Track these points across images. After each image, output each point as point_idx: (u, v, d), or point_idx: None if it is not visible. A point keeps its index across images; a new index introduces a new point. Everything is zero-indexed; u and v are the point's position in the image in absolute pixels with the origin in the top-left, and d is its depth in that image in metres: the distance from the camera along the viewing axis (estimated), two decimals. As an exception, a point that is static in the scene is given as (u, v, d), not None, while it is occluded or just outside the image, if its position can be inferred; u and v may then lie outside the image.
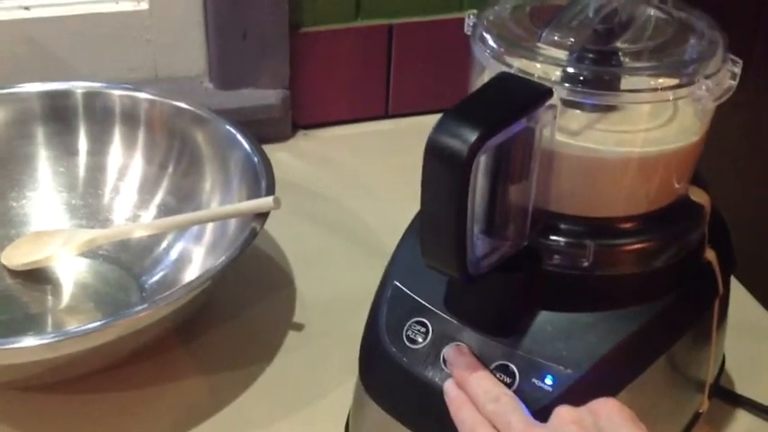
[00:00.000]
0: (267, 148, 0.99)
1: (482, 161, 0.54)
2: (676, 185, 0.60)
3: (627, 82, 0.56)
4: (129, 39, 0.98)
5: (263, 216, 0.72)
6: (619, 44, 0.58)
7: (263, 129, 1.00)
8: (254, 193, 0.76)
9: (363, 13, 1.01)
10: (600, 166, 0.57)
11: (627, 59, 0.57)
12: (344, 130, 1.07)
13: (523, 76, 0.55)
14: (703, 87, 0.54)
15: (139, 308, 0.64)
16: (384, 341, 0.62)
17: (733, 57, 0.57)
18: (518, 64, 0.56)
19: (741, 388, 0.75)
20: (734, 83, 0.56)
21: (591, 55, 0.57)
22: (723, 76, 0.56)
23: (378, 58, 1.04)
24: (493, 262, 0.57)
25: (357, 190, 0.97)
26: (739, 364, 0.75)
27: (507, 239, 0.58)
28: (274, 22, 0.97)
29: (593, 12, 0.58)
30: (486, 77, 0.58)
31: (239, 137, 0.80)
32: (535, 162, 0.56)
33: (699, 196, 0.62)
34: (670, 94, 0.55)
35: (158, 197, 0.84)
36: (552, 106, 0.54)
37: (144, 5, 0.97)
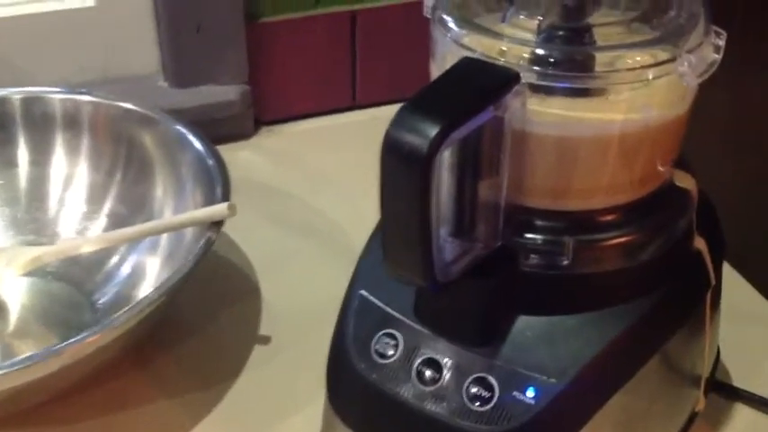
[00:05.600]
0: (229, 147, 0.95)
1: (446, 157, 0.50)
2: (660, 168, 0.55)
3: (602, 61, 0.51)
4: (76, 38, 0.93)
5: (218, 224, 0.67)
6: (591, 20, 0.53)
7: (224, 127, 0.95)
8: (210, 198, 0.71)
9: (324, 0, 0.95)
10: (577, 149, 0.52)
11: (601, 36, 0.52)
12: (311, 123, 1.01)
13: (488, 60, 0.50)
14: (685, 63, 0.49)
15: (85, 334, 0.58)
16: (351, 357, 0.57)
17: (716, 28, 0.52)
18: (482, 48, 0.51)
19: (738, 379, 0.70)
20: (718, 56, 0.51)
21: (561, 33, 0.52)
22: (706, 49, 0.51)
23: (342, 47, 0.98)
24: (464, 266, 0.52)
25: (326, 188, 0.92)
26: (734, 354, 0.71)
27: (479, 240, 0.53)
28: (229, 14, 0.91)
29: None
30: (448, 64, 0.53)
31: (191, 137, 0.75)
32: (505, 154, 0.51)
33: (684, 181, 0.57)
34: (650, 73, 0.50)
35: (107, 207, 0.79)
36: (521, 92, 0.49)
37: (90, 2, 0.92)
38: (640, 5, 0.55)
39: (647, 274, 0.55)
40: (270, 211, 0.89)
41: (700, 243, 0.58)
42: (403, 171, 0.46)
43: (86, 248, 0.72)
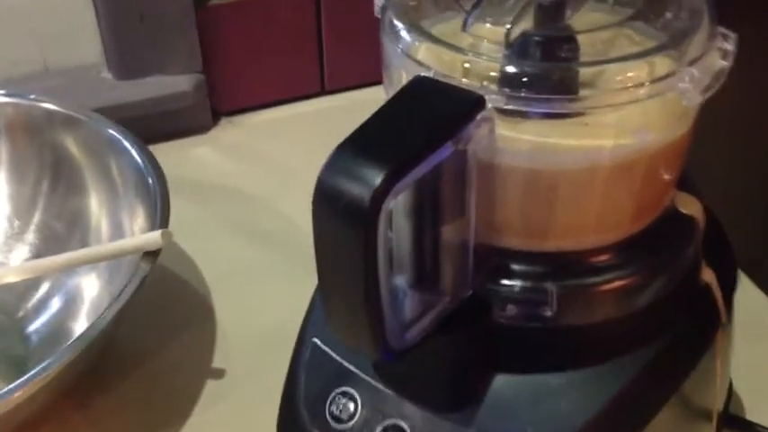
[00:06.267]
0: (185, 143, 0.86)
1: (400, 200, 0.41)
2: (659, 196, 0.46)
3: (586, 78, 0.41)
4: (8, 29, 0.83)
5: (152, 254, 0.58)
6: (573, 24, 0.44)
7: (179, 120, 0.86)
8: (150, 210, 0.63)
9: (283, -24, 0.86)
10: (557, 181, 0.43)
11: (584, 44, 0.43)
12: (275, 113, 0.92)
13: (444, 80, 0.41)
14: (686, 78, 0.40)
15: (6, 389, 0.50)
16: (303, 420, 0.49)
17: (723, 30, 0.43)
18: (439, 63, 0.42)
19: (753, 409, 0.62)
20: (726, 64, 0.42)
21: (536, 42, 0.42)
22: (712, 57, 0.42)
23: (306, 26, 0.89)
24: (427, 325, 0.43)
25: (292, 188, 0.83)
26: (748, 377, 0.62)
27: (444, 291, 0.44)
28: (176, -2, 0.82)
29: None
30: (400, 79, 0.44)
31: (125, 143, 0.66)
32: (471, 190, 0.42)
33: (689, 206, 0.48)
34: (644, 92, 0.41)
35: (36, 221, 0.70)
36: (487, 119, 0.40)
37: (21, -11, 0.82)
38: (632, 3, 0.45)
39: (648, 321, 0.46)
40: (228, 215, 0.80)
41: (707, 275, 0.50)
42: (341, 227, 0.37)
43: (10, 279, 0.63)
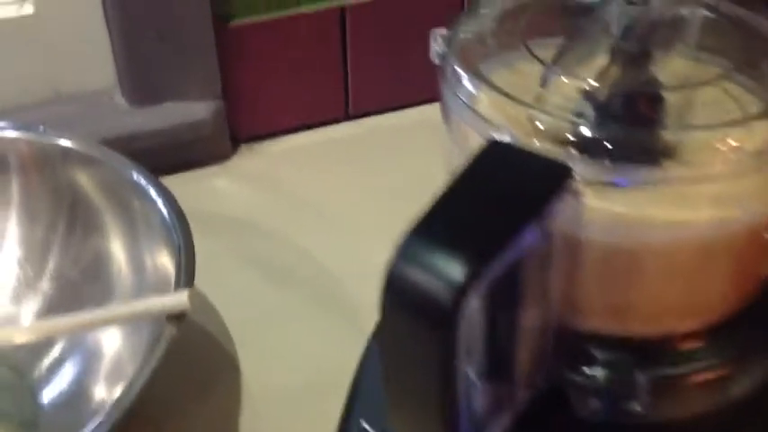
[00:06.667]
0: (202, 174, 0.81)
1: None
2: (761, 274, 0.40)
3: (683, 142, 0.36)
4: (16, 52, 0.78)
5: (178, 317, 0.53)
6: (658, 74, 0.38)
7: (196, 150, 0.81)
8: (175, 259, 0.57)
9: (307, -4, 0.81)
10: (649, 258, 0.38)
11: (676, 106, 0.37)
12: (297, 139, 0.87)
13: (525, 148, 0.36)
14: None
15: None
16: None
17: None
18: (505, 116, 0.37)
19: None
20: None
21: (622, 101, 0.37)
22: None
23: (331, 49, 0.84)
24: (502, 422, 0.38)
25: (315, 221, 0.78)
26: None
27: (520, 384, 0.39)
28: (196, 18, 0.77)
29: (619, 29, 0.39)
30: (464, 135, 0.38)
31: (149, 188, 0.61)
32: (551, 270, 0.37)
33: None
34: (751, 159, 0.35)
35: (51, 267, 0.65)
36: (574, 191, 0.35)
37: (28, 9, 0.77)
38: (722, 47, 0.40)
39: (745, 415, 0.41)
40: (249, 252, 0.75)
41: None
42: (415, 327, 0.32)
43: (20, 339, 0.58)
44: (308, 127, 0.87)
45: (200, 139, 0.80)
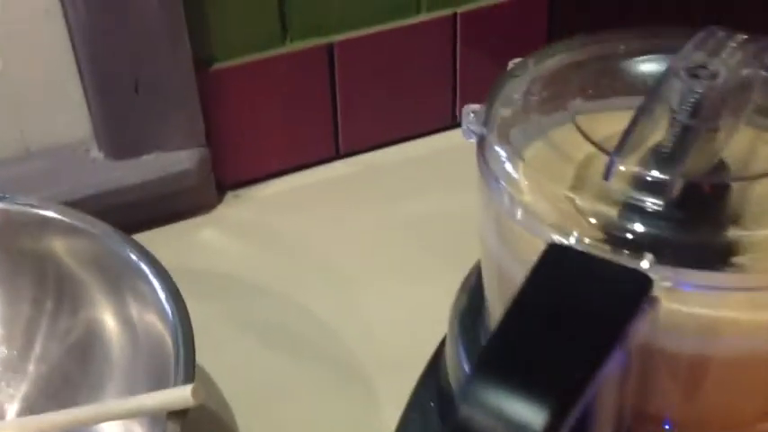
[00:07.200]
0: (187, 225, 0.77)
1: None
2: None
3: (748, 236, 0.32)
4: (-18, 106, 0.73)
5: (180, 414, 0.48)
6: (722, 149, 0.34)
7: (179, 201, 0.76)
8: (173, 343, 0.52)
9: (293, 33, 0.76)
10: (727, 365, 0.34)
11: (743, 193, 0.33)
12: (286, 182, 0.82)
13: (593, 253, 0.31)
14: None
15: None
16: None
17: None
18: (563, 217, 0.33)
19: None
20: None
21: (687, 196, 0.33)
22: None
23: (319, 87, 0.79)
24: None
25: (311, 272, 0.73)
26: None
27: None
28: (175, 63, 0.72)
29: (685, 108, 0.34)
30: (506, 225, 0.34)
31: (145, 270, 0.56)
32: (624, 385, 0.32)
33: None
34: None
35: (38, 349, 0.60)
36: (654, 301, 0.31)
37: (-5, 63, 0.72)
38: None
39: None
40: (242, 313, 0.70)
41: None
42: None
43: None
44: (298, 168, 0.82)
45: (183, 191, 0.75)
